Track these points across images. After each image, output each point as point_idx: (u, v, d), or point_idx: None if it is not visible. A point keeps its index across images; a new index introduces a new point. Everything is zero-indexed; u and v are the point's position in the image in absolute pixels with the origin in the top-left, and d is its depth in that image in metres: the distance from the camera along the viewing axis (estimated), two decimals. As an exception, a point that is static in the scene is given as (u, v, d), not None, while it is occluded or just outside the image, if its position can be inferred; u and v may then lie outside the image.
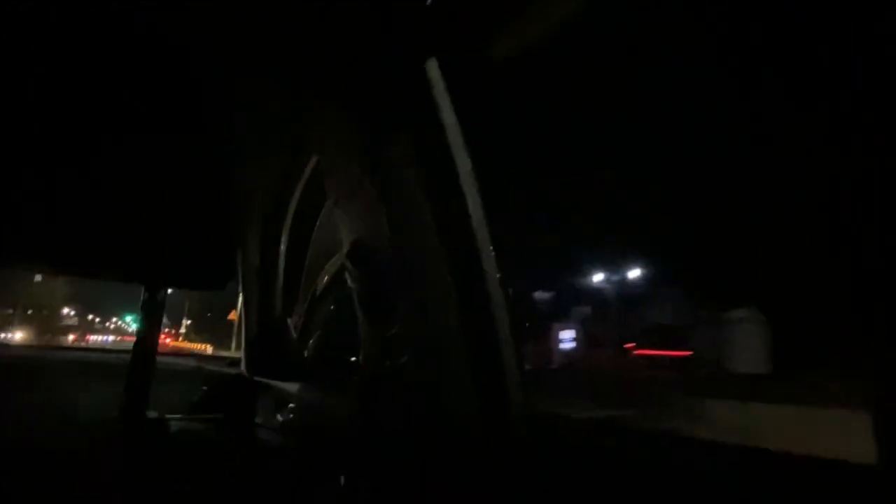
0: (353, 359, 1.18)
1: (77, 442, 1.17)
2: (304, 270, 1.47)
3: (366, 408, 0.96)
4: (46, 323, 26.60)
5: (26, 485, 1.02)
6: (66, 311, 30.47)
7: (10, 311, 24.55)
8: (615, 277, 12.93)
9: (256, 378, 1.41)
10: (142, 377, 1.26)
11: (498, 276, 0.86)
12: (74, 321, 31.43)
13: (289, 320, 1.46)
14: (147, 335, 1.29)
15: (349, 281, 0.95)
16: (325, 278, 1.43)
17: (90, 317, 34.90)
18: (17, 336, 20.73)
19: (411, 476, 0.80)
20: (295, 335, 1.45)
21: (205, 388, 1.55)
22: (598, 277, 13.22)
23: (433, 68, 0.88)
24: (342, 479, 0.91)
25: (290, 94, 1.08)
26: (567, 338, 11.76)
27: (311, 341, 1.50)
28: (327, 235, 1.37)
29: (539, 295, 13.54)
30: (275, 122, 1.26)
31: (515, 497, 0.70)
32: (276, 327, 1.44)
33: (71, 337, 25.70)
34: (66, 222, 1.10)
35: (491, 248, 0.87)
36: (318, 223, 1.44)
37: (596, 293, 12.99)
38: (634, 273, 12.71)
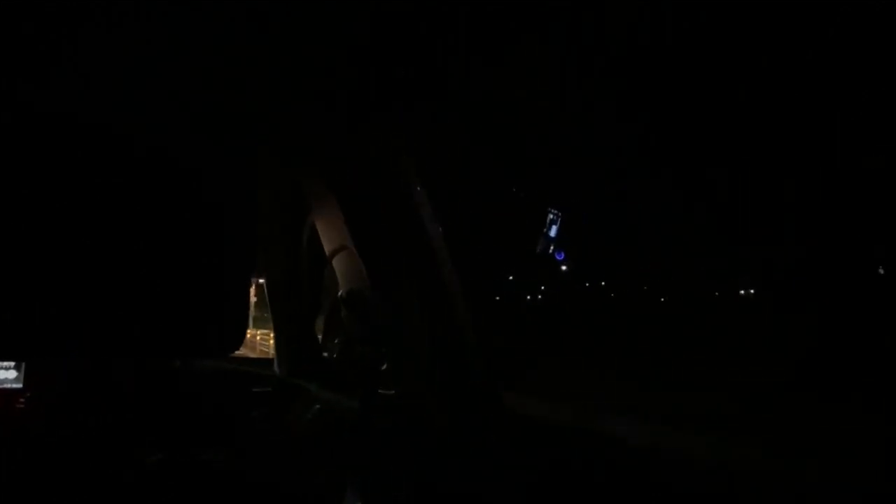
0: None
1: None
2: (322, 285, 1.64)
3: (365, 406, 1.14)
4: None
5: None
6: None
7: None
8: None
9: (289, 379, 1.64)
10: None
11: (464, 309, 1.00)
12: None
13: (318, 323, 1.66)
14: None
15: (344, 320, 1.11)
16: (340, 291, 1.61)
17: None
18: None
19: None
20: (320, 341, 1.65)
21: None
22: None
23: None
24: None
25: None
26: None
27: (335, 343, 1.70)
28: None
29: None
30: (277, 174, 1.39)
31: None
32: (301, 334, 1.65)
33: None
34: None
35: (459, 293, 1.00)
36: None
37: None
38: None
